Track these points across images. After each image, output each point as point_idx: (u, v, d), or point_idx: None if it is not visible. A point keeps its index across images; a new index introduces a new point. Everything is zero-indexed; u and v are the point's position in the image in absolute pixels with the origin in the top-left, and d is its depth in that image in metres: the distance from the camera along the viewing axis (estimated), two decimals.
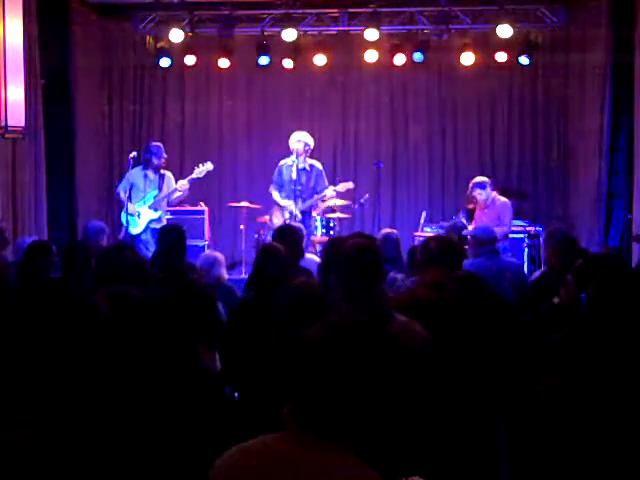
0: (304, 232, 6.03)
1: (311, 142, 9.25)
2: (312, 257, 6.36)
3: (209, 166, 9.07)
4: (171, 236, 5.81)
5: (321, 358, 1.83)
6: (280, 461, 1.81)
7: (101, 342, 2.74)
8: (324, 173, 9.34)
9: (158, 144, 9.09)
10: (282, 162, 9.31)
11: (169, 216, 9.17)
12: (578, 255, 4.63)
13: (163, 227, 6.57)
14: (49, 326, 2.57)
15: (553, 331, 3.40)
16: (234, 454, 1.89)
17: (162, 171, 8.91)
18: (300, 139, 9.18)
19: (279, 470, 1.80)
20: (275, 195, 9.30)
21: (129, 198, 8.77)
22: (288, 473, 1.79)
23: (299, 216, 9.06)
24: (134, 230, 8.82)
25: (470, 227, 8.99)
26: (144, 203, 8.81)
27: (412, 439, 2.97)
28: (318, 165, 9.30)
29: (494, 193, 8.81)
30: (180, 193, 8.88)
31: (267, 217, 9.48)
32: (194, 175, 9.00)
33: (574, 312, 3.48)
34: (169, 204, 9.08)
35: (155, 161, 8.83)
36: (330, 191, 9.21)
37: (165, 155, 8.97)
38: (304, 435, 1.82)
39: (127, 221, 8.78)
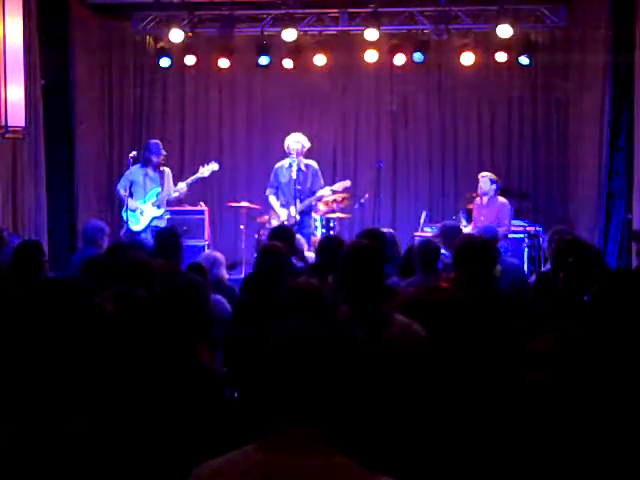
0: (294, 231, 6.20)
1: (307, 143, 9.28)
2: None
3: (214, 166, 9.14)
4: (167, 238, 5.85)
5: (312, 356, 1.74)
6: (260, 472, 1.72)
7: (107, 341, 2.74)
8: (320, 172, 9.35)
9: (156, 142, 9.11)
10: (278, 164, 9.32)
11: (168, 216, 9.17)
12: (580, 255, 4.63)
13: (159, 230, 6.61)
14: (52, 326, 2.56)
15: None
16: (215, 466, 1.80)
17: (161, 168, 8.95)
18: (299, 140, 9.23)
19: None
20: (272, 201, 9.30)
21: (130, 195, 8.80)
22: None
23: (297, 217, 9.06)
24: (136, 227, 8.84)
25: (469, 227, 9.02)
26: (146, 200, 8.83)
27: (409, 439, 2.97)
28: (314, 164, 9.31)
29: (492, 191, 8.98)
30: (178, 194, 8.96)
31: (267, 217, 9.48)
32: (198, 174, 9.07)
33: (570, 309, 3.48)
34: (168, 202, 9.12)
35: (154, 159, 8.87)
36: (326, 191, 9.22)
37: (164, 152, 9.01)
38: (284, 441, 1.74)
39: (128, 217, 8.80)
